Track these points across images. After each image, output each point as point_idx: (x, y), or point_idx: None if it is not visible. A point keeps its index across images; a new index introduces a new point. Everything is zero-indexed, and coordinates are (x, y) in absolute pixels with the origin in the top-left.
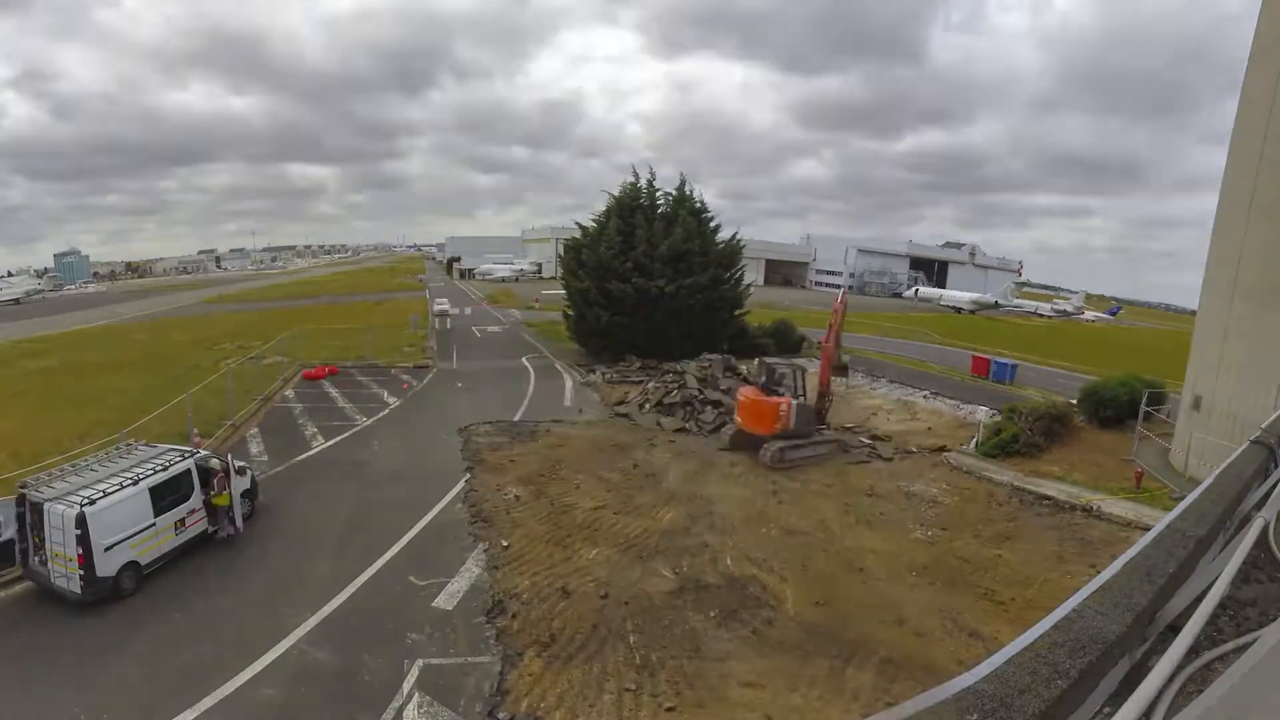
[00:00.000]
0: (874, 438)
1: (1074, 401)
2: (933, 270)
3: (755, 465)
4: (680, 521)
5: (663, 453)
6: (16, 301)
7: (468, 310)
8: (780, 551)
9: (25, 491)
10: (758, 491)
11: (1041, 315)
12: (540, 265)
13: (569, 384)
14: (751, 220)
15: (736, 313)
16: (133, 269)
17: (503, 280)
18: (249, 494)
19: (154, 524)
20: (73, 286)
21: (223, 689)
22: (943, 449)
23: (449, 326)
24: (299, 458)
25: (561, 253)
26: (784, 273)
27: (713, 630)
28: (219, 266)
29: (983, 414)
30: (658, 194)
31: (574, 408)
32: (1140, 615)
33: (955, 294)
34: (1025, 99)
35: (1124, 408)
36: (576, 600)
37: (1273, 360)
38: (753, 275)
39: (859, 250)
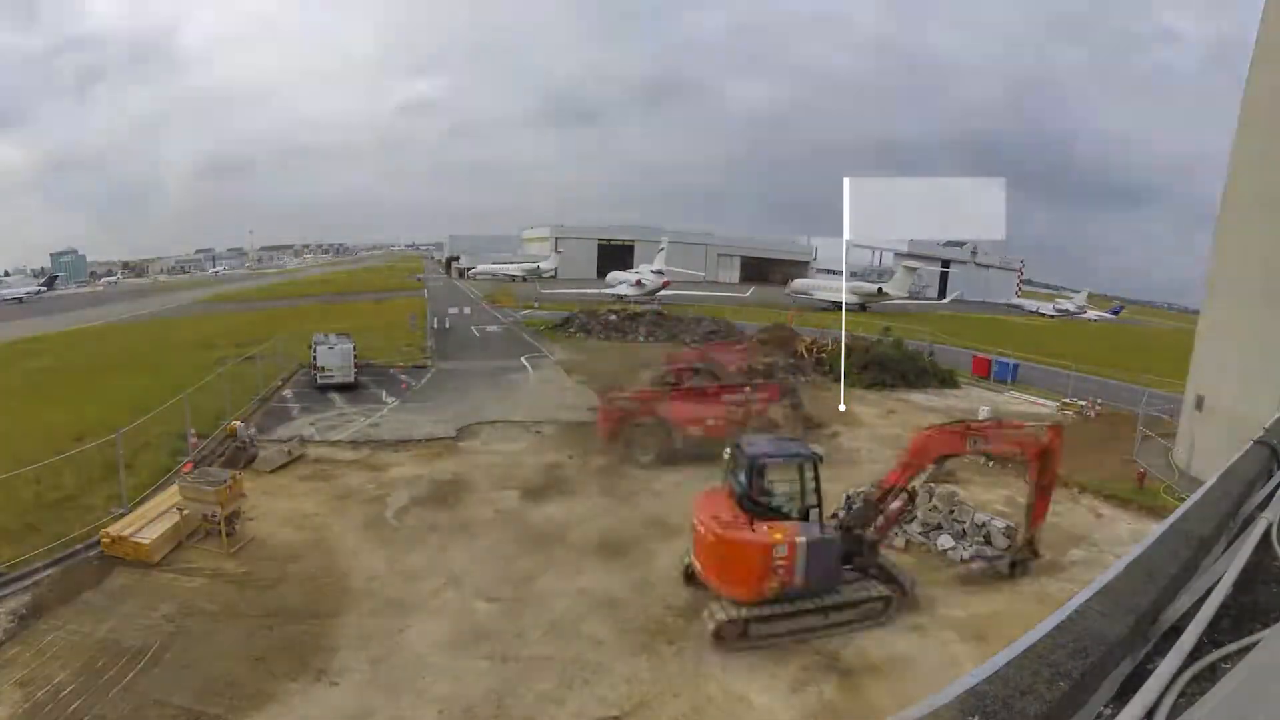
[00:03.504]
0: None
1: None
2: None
3: None
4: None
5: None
6: (20, 300)
7: (466, 310)
8: None
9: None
10: None
11: (1043, 314)
12: (540, 265)
13: (569, 384)
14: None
15: None
16: (129, 268)
17: (511, 279)
18: None
19: None
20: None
21: None
22: None
23: (448, 326)
24: None
25: (562, 251)
26: (784, 273)
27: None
28: (215, 265)
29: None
30: None
31: (576, 406)
32: (1143, 616)
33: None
34: None
35: None
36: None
37: (1276, 360)
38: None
39: (850, 247)
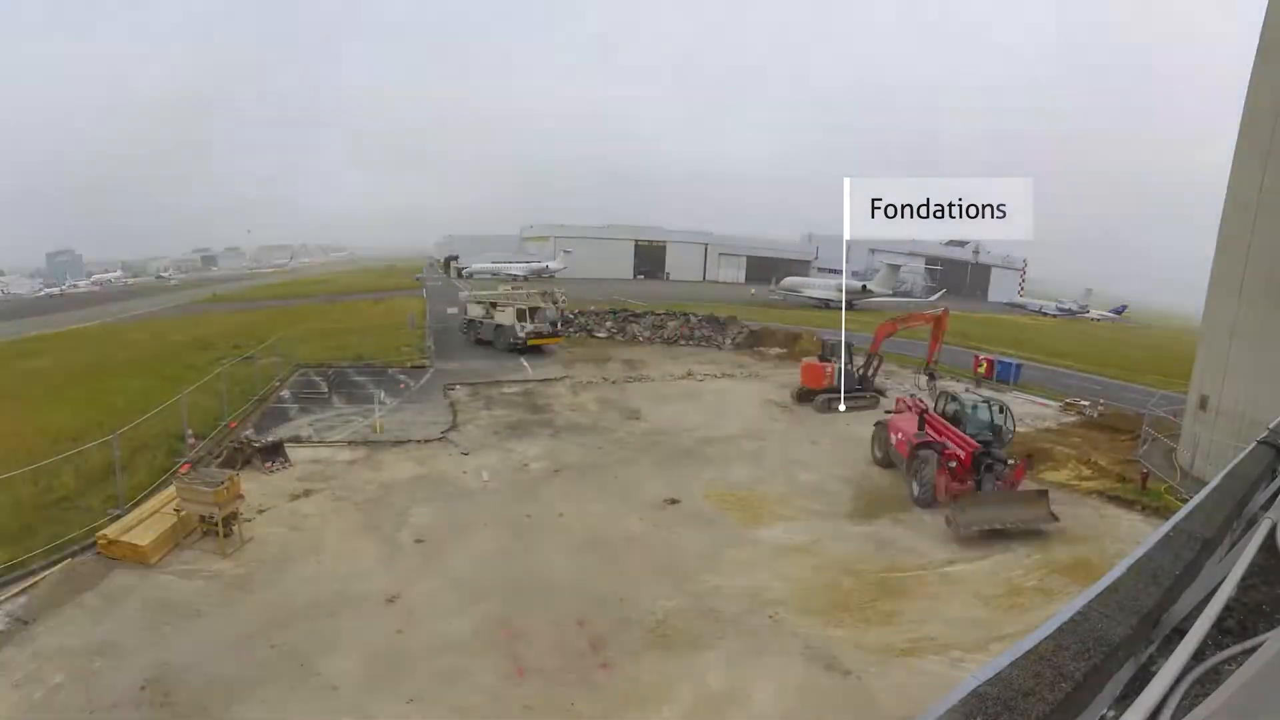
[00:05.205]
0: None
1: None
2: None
3: None
4: None
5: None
6: None
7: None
8: None
9: None
10: None
11: (1045, 314)
12: (547, 265)
13: (568, 383)
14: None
15: None
16: (127, 269)
17: (514, 279)
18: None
19: None
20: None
21: None
22: None
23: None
24: None
25: (565, 251)
26: (787, 272)
27: None
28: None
29: None
30: None
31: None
32: (1146, 618)
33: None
34: None
35: None
36: None
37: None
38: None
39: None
